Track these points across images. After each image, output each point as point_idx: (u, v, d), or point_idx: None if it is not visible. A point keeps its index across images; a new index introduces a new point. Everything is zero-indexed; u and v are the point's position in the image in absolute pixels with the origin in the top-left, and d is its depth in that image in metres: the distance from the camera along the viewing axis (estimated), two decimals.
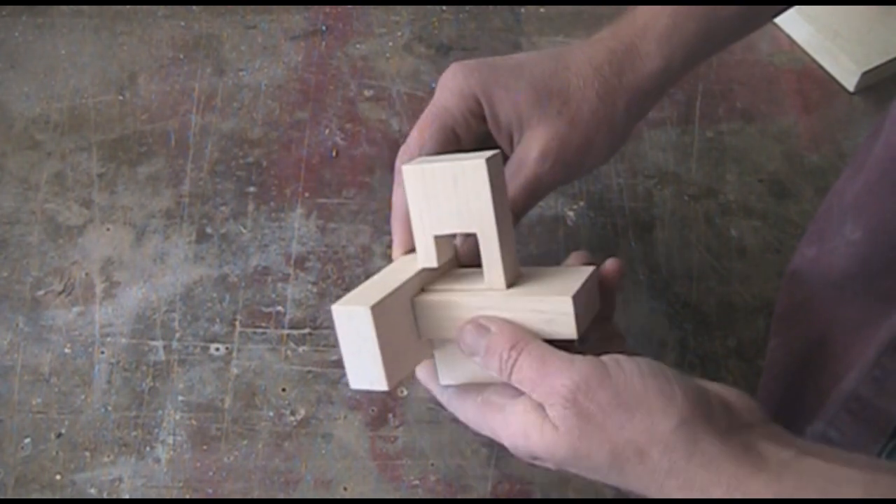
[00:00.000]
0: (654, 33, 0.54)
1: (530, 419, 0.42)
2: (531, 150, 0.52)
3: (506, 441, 0.44)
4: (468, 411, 0.46)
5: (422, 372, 0.50)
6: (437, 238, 0.47)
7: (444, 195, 0.45)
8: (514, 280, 0.46)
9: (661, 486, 0.40)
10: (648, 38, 0.54)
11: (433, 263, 0.47)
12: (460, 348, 0.46)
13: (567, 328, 0.44)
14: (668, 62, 0.54)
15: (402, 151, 0.52)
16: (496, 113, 0.52)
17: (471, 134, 0.53)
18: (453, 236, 0.50)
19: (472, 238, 0.49)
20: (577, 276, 0.47)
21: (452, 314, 0.46)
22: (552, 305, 0.44)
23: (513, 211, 0.51)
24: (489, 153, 0.45)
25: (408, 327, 0.46)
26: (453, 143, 0.52)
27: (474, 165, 0.44)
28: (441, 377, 0.48)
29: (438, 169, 0.45)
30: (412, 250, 0.51)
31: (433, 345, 0.48)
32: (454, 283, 0.48)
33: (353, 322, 0.43)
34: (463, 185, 0.44)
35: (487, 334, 0.44)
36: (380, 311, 0.43)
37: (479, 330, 0.45)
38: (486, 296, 0.45)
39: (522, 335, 0.44)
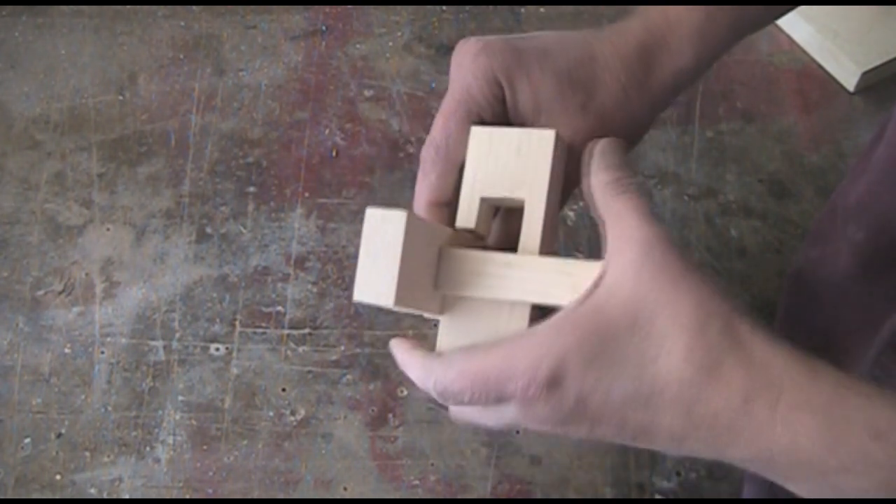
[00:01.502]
0: (688, 29, 0.53)
1: (554, 315, 0.39)
2: None
3: (529, 354, 0.39)
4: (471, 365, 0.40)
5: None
6: (483, 201, 0.48)
7: (504, 159, 0.48)
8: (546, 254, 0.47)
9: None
10: (681, 33, 0.53)
11: (471, 224, 0.48)
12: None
13: None
14: (698, 59, 0.53)
15: (428, 143, 0.50)
16: (517, 99, 0.51)
17: (495, 119, 0.52)
18: (494, 215, 0.50)
19: (509, 219, 0.49)
20: None
21: (478, 268, 0.46)
22: (582, 270, 0.44)
23: None
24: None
25: (429, 269, 0.47)
26: None
27: (543, 135, 0.47)
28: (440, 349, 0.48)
29: (507, 133, 0.48)
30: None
31: (444, 307, 0.48)
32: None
33: (384, 226, 0.44)
34: (527, 153, 0.47)
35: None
36: (414, 225, 0.44)
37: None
38: (516, 254, 0.46)
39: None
